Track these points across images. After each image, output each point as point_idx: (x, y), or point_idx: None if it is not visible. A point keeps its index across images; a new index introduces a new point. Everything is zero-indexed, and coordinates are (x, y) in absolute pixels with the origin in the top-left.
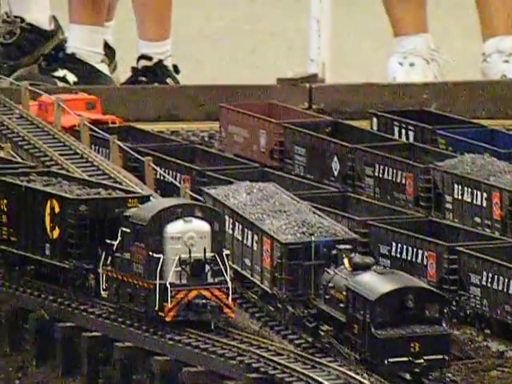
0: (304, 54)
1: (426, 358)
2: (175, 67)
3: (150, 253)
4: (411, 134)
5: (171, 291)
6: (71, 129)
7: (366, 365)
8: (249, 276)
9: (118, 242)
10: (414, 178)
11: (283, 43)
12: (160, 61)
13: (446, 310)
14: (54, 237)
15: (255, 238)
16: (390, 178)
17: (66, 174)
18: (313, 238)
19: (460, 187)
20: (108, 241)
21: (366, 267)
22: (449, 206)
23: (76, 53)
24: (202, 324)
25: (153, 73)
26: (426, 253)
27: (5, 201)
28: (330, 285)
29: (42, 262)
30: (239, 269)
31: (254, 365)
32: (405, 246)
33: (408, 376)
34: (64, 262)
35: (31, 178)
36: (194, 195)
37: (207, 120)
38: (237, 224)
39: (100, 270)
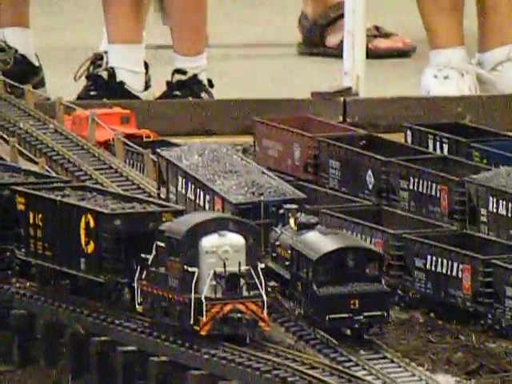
0: (338, 67)
1: (365, 314)
2: (210, 81)
3: (185, 267)
4: (445, 147)
5: (206, 305)
6: (105, 143)
7: (308, 320)
8: None
9: (152, 256)
10: (448, 191)
11: (317, 56)
12: (195, 75)
13: (384, 268)
14: (89, 251)
15: (207, 197)
16: (424, 191)
17: (100, 189)
18: (262, 198)
19: (495, 200)
20: (143, 255)
21: (310, 226)
22: (483, 219)
23: (116, 73)
24: (237, 338)
25: (187, 87)
26: (460, 266)
27: (40, 215)
28: (277, 243)
29: (77, 276)
30: None
31: (289, 378)
32: (439, 260)
33: (348, 331)
34: (99, 276)
35: (66, 193)
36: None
37: (241, 134)
38: (189, 184)
39: (135, 285)
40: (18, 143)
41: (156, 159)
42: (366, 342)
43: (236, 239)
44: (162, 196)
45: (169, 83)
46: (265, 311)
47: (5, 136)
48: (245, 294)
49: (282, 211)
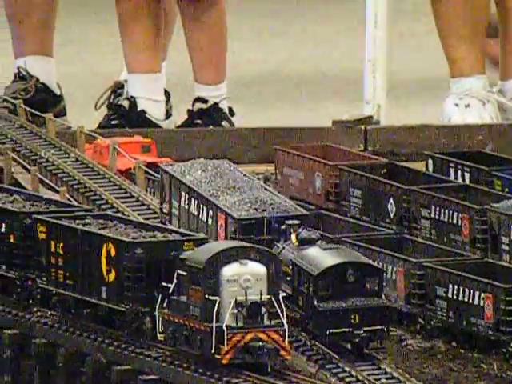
0: (359, 96)
1: (365, 328)
2: (230, 109)
3: (206, 295)
4: (467, 175)
5: (227, 334)
6: (127, 172)
7: (309, 335)
8: None
9: (174, 284)
10: (469, 219)
11: (338, 85)
12: (215, 103)
13: (384, 283)
14: (110, 280)
15: (210, 213)
16: (445, 219)
17: (121, 217)
18: (265, 214)
19: None
20: (164, 284)
21: (311, 242)
22: (505, 247)
23: (137, 102)
24: (259, 367)
25: (208, 115)
26: (482, 294)
27: (61, 244)
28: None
29: (98, 305)
30: None
31: None
32: (461, 288)
33: (349, 346)
34: (120, 305)
35: (87, 222)
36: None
37: (262, 162)
38: (193, 200)
39: (156, 313)
40: (39, 172)
41: (159, 174)
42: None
43: (257, 268)
44: (165, 211)
45: (190, 112)
46: (286, 340)
47: (26, 165)
48: (266, 322)
49: (283, 227)
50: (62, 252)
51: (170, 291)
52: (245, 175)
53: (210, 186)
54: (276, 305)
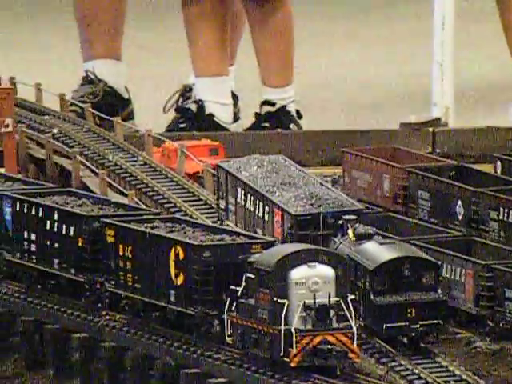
0: (427, 98)
1: (421, 323)
2: (298, 112)
3: (275, 298)
4: None
5: (296, 337)
6: (195, 175)
7: (367, 330)
8: None
9: (242, 287)
10: None
11: (405, 87)
12: (283, 106)
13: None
14: (179, 283)
15: (266, 209)
16: None
17: (189, 220)
18: (321, 209)
19: None
20: (232, 287)
21: (368, 237)
22: None
23: (204, 106)
24: (328, 369)
25: (276, 118)
26: None
27: (129, 248)
28: None
29: (166, 308)
30: None
31: None
32: None
33: (405, 340)
34: (189, 308)
35: (155, 225)
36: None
37: (330, 165)
38: (249, 196)
39: (225, 316)
40: (107, 176)
41: (215, 171)
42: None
43: (325, 270)
44: (222, 207)
45: (257, 114)
46: (355, 342)
47: (94, 168)
48: (335, 325)
49: (340, 222)
50: (130, 255)
51: (239, 294)
52: (300, 170)
53: (266, 182)
54: (344, 307)
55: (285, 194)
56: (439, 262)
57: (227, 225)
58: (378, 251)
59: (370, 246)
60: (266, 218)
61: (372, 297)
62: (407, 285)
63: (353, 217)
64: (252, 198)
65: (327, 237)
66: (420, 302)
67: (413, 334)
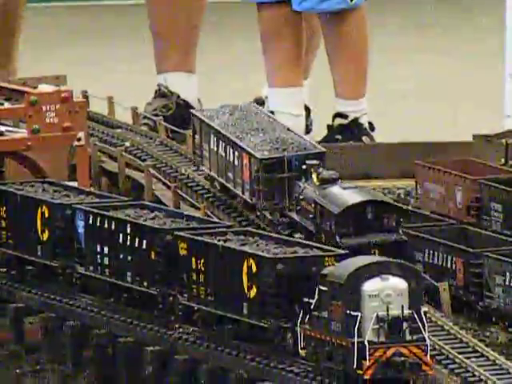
0: (500, 110)
1: None
2: (370, 124)
3: (348, 311)
4: None
5: (369, 349)
6: None
7: None
8: (232, 188)
9: (315, 300)
10: None
11: (478, 99)
12: (355, 119)
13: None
14: (252, 296)
15: (236, 154)
16: None
17: (262, 233)
18: (285, 153)
19: None
20: (305, 299)
21: (332, 181)
22: None
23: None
24: (401, 382)
25: (348, 131)
26: None
27: (202, 260)
28: (301, 197)
29: (239, 321)
30: (224, 182)
31: None
32: None
33: None
34: (262, 321)
35: (228, 238)
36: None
37: (403, 177)
38: (220, 142)
39: (298, 329)
40: (179, 189)
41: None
42: None
43: (398, 283)
44: (197, 152)
45: (330, 127)
46: (428, 355)
47: (166, 182)
48: (408, 337)
49: (304, 167)
50: (203, 268)
51: (312, 307)
52: (269, 117)
53: (236, 129)
54: (417, 319)
55: (253, 140)
56: (402, 206)
57: (202, 170)
58: (343, 195)
59: (335, 191)
60: (236, 162)
61: (338, 239)
62: (370, 227)
63: (316, 161)
64: (223, 144)
65: (292, 179)
66: (382, 243)
67: None
